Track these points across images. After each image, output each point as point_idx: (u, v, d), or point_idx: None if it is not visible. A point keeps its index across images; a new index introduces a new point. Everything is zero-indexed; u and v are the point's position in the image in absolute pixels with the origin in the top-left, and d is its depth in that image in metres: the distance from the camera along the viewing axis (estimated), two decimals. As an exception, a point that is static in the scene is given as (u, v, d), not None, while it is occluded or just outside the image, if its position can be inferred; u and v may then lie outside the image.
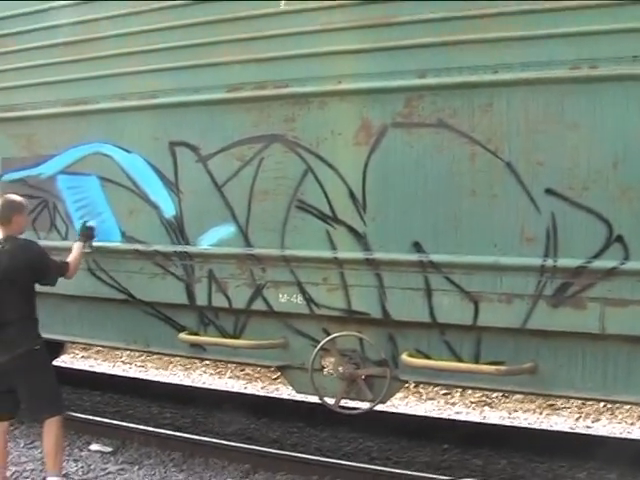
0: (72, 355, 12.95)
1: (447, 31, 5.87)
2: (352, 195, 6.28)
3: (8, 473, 6.76)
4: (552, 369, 5.85)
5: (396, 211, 6.13)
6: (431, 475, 6.98)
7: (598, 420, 9.49)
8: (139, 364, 12.80)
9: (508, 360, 5.92)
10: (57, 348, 10.04)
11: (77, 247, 7.16)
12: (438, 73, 5.92)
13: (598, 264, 5.46)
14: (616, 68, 5.33)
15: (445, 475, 7.00)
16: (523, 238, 5.70)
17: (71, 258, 6.95)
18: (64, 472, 6.72)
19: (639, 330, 5.42)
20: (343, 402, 6.80)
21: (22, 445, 7.96)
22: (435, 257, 5.98)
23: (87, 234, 7.37)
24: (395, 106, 6.07)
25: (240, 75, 6.73)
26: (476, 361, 6.04)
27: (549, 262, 5.61)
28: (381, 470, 7.13)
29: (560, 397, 7.98)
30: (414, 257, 6.05)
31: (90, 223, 7.44)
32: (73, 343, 10.23)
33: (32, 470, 7.26)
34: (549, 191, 5.58)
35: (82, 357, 13.17)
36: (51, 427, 6.40)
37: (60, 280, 6.82)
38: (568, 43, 5.47)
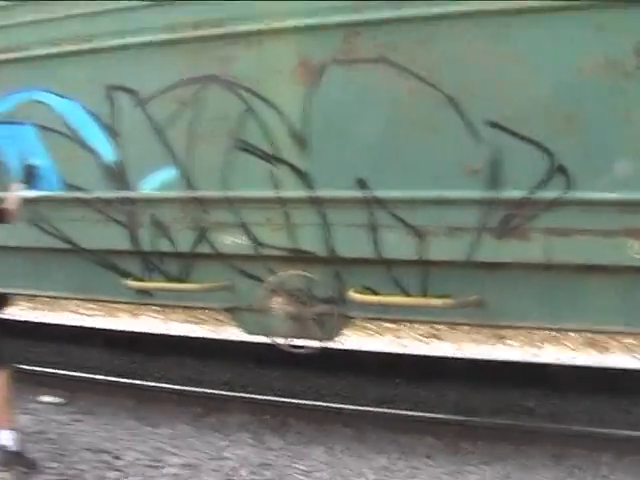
0: (19, 307, 12.83)
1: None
2: (294, 134, 6.22)
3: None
4: (499, 300, 5.90)
5: (339, 148, 6.08)
6: (383, 409, 7.05)
7: (543, 348, 9.63)
8: (86, 312, 12.73)
9: (455, 293, 5.95)
10: (1, 301, 9.96)
11: (15, 188, 6.97)
12: (376, 7, 5.84)
13: (541, 195, 5.48)
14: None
15: (395, 409, 7.07)
16: (466, 171, 5.69)
17: (9, 201, 6.79)
18: (15, 426, 6.66)
19: (583, 259, 5.48)
20: (292, 341, 6.81)
21: (-29, 400, 7.90)
22: (379, 193, 5.96)
23: (29, 172, 7.24)
24: (334, 43, 6.00)
25: (177, 15, 6.60)
26: (423, 295, 6.07)
27: (492, 194, 5.62)
28: (333, 407, 7.19)
29: (507, 327, 8.05)
30: (358, 194, 6.03)
31: (31, 162, 7.31)
32: (18, 295, 10.14)
33: (-18, 424, 7.21)
34: (491, 123, 5.56)
35: (28, 308, 13.06)
36: (-2, 381, 6.34)
37: (2, 231, 6.71)
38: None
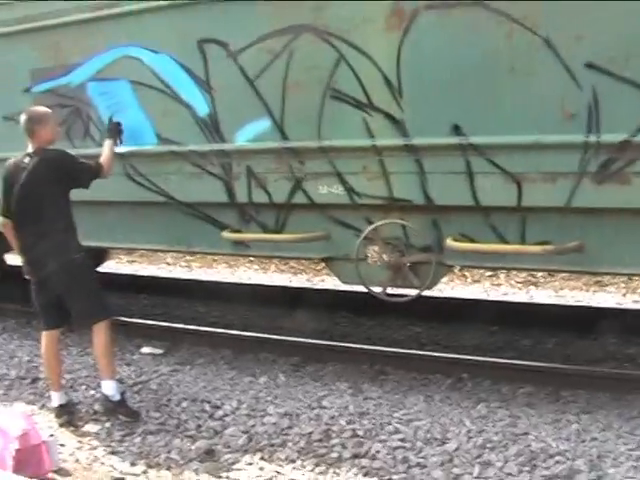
0: (117, 260, 13.06)
1: None
2: (387, 81, 6.15)
3: (63, 381, 6.85)
4: (599, 246, 5.79)
5: (433, 95, 6.00)
6: (481, 357, 7.01)
7: (645, 294, 9.48)
8: (183, 265, 12.89)
9: (554, 239, 5.86)
10: (101, 254, 10.16)
11: (107, 145, 7.09)
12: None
13: (643, 138, 5.34)
14: None
15: (495, 357, 7.03)
16: (564, 115, 5.58)
17: (103, 156, 6.89)
18: (117, 376, 6.80)
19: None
20: (389, 290, 6.79)
21: (75, 353, 8.10)
22: (475, 139, 5.88)
23: (114, 129, 7.34)
24: (426, -13, 5.91)
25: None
26: (522, 242, 5.99)
27: (592, 138, 5.49)
28: (431, 355, 7.18)
29: (608, 274, 7.93)
30: (454, 140, 5.95)
31: (116, 119, 7.40)
32: (116, 249, 10.30)
33: (86, 377, 7.37)
34: (589, 65, 5.43)
35: (126, 262, 13.28)
36: (99, 333, 6.46)
37: (100, 187, 6.81)
38: None
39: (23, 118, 6.48)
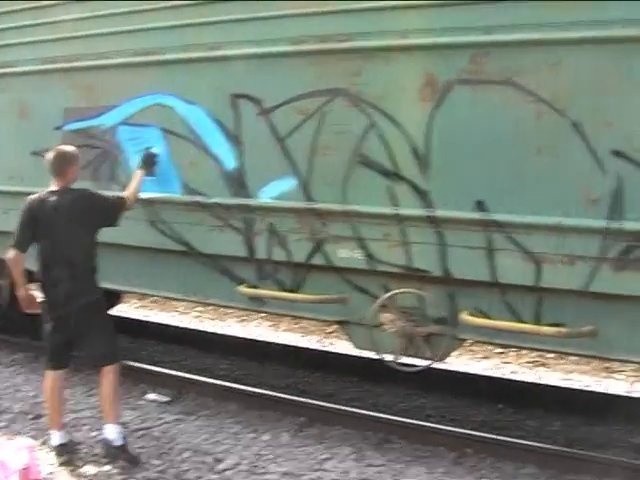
0: (128, 304, 13.08)
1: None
2: (415, 152, 6.22)
3: (65, 420, 6.85)
4: (613, 333, 5.80)
5: (459, 169, 6.07)
6: (486, 434, 6.98)
7: (654, 385, 9.43)
8: (195, 314, 12.90)
9: (569, 322, 5.88)
10: (114, 297, 10.18)
11: (137, 175, 7.26)
12: (505, 30, 5.81)
13: (664, 228, 5.38)
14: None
15: (500, 435, 7.00)
16: (588, 199, 5.61)
17: (129, 187, 7.09)
18: (121, 420, 6.79)
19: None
20: (400, 359, 6.79)
21: (80, 393, 8.09)
22: (498, 216, 5.93)
23: (149, 160, 7.44)
24: (461, 62, 5.99)
25: (304, 28, 6.67)
26: (536, 322, 6.01)
27: (614, 224, 5.54)
28: (436, 427, 7.15)
29: (620, 361, 7.90)
30: (477, 215, 6.00)
31: (153, 150, 7.49)
32: (132, 293, 10.33)
33: (90, 417, 7.39)
34: (616, 152, 5.48)
35: (138, 307, 13.29)
36: (108, 376, 6.48)
37: (122, 230, 6.88)
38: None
39: (52, 156, 6.55)
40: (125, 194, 6.98)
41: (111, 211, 6.73)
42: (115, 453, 6.49)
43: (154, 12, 7.52)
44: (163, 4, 7.45)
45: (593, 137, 5.56)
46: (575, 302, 5.87)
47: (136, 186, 7.11)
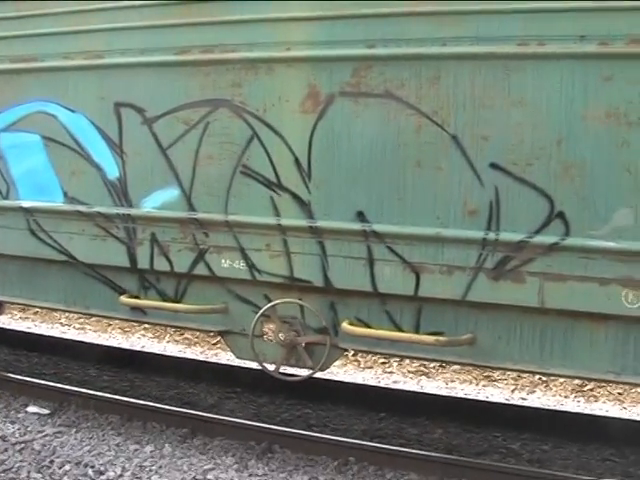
0: (10, 316, 12.84)
1: (397, 2, 5.87)
2: (297, 163, 6.27)
3: None
4: (491, 341, 5.94)
5: (341, 180, 6.14)
6: (368, 442, 7.04)
7: (533, 392, 9.63)
8: (77, 326, 12.72)
9: (447, 331, 6.00)
10: (-6, 308, 9.97)
11: None
12: (387, 44, 5.91)
13: (539, 239, 5.54)
14: (563, 46, 5.37)
15: (381, 443, 7.07)
16: (466, 211, 5.74)
17: None
18: (1, 434, 6.68)
19: (576, 305, 5.52)
20: (282, 369, 6.83)
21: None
22: (378, 227, 6.01)
23: None
24: (343, 75, 6.06)
25: (188, 38, 6.67)
26: (416, 331, 6.11)
27: (491, 235, 5.67)
28: (318, 437, 7.18)
29: (498, 369, 8.07)
30: (357, 226, 6.08)
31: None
32: (11, 304, 10.14)
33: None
34: (493, 165, 5.63)
35: (20, 318, 13.05)
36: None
37: (1, 240, 6.76)
38: (517, 19, 5.49)
39: None
40: None
41: None
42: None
43: (36, 18, 7.41)
44: (46, 10, 7.34)
45: (471, 150, 5.68)
46: (453, 311, 5.99)
47: None
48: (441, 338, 5.95)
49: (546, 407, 8.75)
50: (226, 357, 10.33)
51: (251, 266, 6.56)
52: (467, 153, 5.69)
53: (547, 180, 5.49)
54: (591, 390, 9.63)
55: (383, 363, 10.61)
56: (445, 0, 5.71)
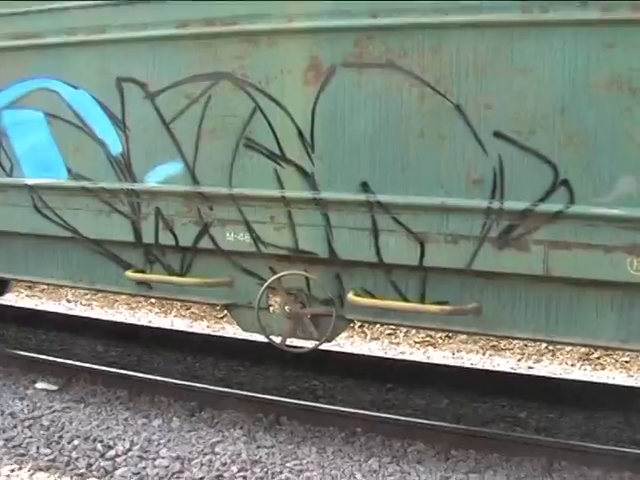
0: (16, 294, 12.87)
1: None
2: (300, 134, 6.25)
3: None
4: (496, 310, 5.94)
5: (344, 151, 6.12)
6: (375, 413, 7.07)
7: (540, 361, 9.66)
8: (84, 302, 12.76)
9: (453, 300, 6.00)
10: (1, 286, 10.00)
11: None
12: (389, 14, 5.88)
13: (543, 207, 5.53)
14: (566, 13, 5.34)
15: (388, 414, 7.09)
16: (470, 180, 5.74)
17: None
18: (10, 410, 6.71)
19: (582, 272, 5.52)
20: (289, 341, 6.84)
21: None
22: (382, 197, 6.01)
23: None
24: (345, 46, 6.04)
25: (189, 11, 6.64)
26: (421, 301, 6.11)
27: (495, 204, 5.67)
28: (326, 408, 7.21)
29: (503, 337, 8.08)
30: (361, 197, 6.07)
31: None
32: (18, 281, 10.16)
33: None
34: (497, 134, 5.61)
35: (26, 296, 13.09)
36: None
37: (5, 217, 6.76)
38: (519, -14, 5.47)
39: None
40: None
41: None
42: None
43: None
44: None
45: (474, 119, 5.67)
46: (459, 280, 5.99)
47: None
48: (446, 307, 5.96)
49: (553, 375, 8.77)
50: (232, 331, 10.37)
51: (256, 239, 6.55)
52: (470, 122, 5.67)
53: (551, 148, 5.47)
54: (598, 358, 9.66)
55: (390, 334, 10.64)
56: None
